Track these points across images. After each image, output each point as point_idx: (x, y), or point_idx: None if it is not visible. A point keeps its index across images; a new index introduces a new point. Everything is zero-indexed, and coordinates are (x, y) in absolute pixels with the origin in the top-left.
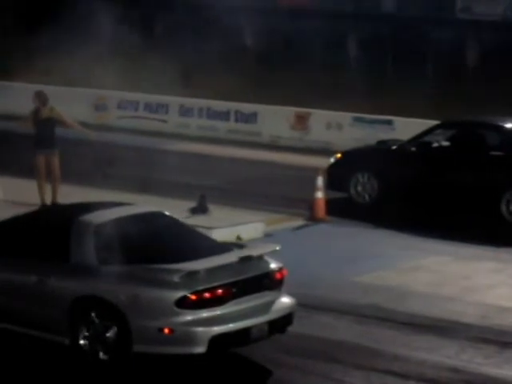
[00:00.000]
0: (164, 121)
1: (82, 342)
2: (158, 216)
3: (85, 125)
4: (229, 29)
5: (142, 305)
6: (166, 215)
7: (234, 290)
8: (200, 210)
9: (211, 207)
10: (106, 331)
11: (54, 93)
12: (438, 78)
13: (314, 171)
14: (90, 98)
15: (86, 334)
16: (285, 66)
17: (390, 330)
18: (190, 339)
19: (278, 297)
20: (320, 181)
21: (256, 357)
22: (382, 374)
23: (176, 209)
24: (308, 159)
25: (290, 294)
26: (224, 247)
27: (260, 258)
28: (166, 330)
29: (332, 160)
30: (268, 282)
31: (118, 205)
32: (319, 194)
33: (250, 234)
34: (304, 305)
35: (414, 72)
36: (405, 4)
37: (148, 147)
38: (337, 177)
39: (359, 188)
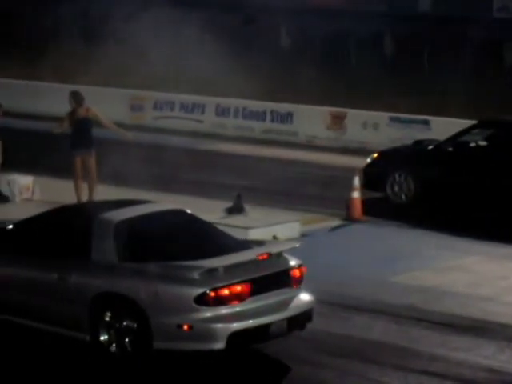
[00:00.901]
0: (200, 121)
1: (102, 338)
2: (178, 213)
3: (121, 125)
4: (264, 29)
5: (162, 301)
6: (186, 213)
7: (253, 286)
8: (236, 209)
9: (247, 207)
10: (127, 328)
11: (90, 93)
12: (475, 77)
13: (351, 171)
14: (126, 98)
15: (107, 330)
16: (320, 65)
17: (426, 330)
18: (209, 335)
19: (297, 293)
20: (356, 181)
21: (293, 357)
22: (419, 375)
23: (212, 209)
24: (344, 159)
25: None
26: (243, 244)
27: (279, 255)
28: (185, 327)
29: (368, 160)
30: (287, 279)
31: (140, 203)
32: (356, 194)
33: (286, 233)
34: (341, 305)
35: (451, 71)
36: (441, 3)
37: (184, 147)
38: (373, 177)
39: (396, 188)
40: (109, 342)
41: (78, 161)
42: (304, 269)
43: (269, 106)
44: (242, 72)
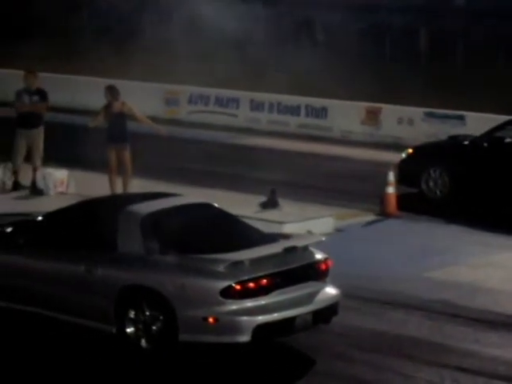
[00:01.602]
0: (234, 115)
1: (128, 330)
2: (205, 207)
3: (155, 119)
4: (299, 23)
5: (188, 294)
6: (213, 206)
7: (278, 279)
8: (270, 204)
9: (282, 202)
10: (153, 320)
11: (126, 87)
12: (510, 72)
13: (385, 166)
14: (161, 93)
15: (133, 322)
16: (356, 60)
17: (461, 326)
18: (235, 328)
19: (322, 287)
20: (391, 176)
21: (327, 352)
22: (453, 371)
23: (246, 203)
24: (379, 154)
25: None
26: (270, 238)
27: (305, 248)
28: (211, 319)
29: (403, 155)
30: (313, 273)
31: (167, 195)
32: (390, 189)
33: (321, 228)
34: (375, 300)
35: (486, 66)
36: None
37: (218, 142)
38: (408, 172)
39: (430, 183)
40: (135, 335)
41: (112, 154)
42: (330, 262)
43: (303, 100)
44: (278, 67)
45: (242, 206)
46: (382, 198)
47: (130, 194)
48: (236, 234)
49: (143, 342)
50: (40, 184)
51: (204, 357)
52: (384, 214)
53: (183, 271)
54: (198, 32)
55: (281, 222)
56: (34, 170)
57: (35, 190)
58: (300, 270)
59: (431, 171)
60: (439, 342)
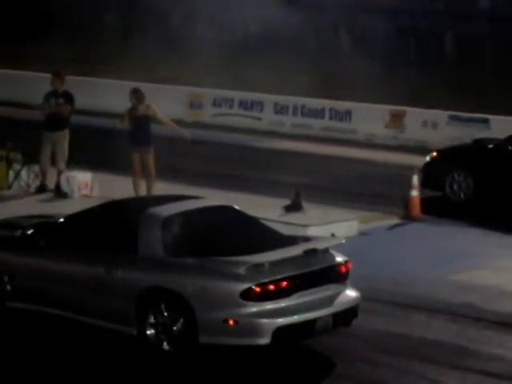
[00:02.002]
0: (259, 118)
1: (148, 332)
2: (226, 209)
3: (179, 122)
4: (321, 27)
5: (208, 296)
6: (234, 209)
7: (298, 282)
8: (294, 207)
9: (305, 205)
10: (173, 322)
11: (150, 90)
12: None
13: (409, 170)
14: (185, 96)
15: (153, 324)
16: (379, 64)
17: (485, 330)
18: (254, 330)
19: (343, 290)
20: (415, 179)
21: (351, 355)
22: (477, 374)
23: (270, 206)
24: (403, 158)
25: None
26: (290, 240)
27: (325, 250)
28: (231, 322)
29: (427, 158)
30: (333, 275)
31: (188, 198)
32: (415, 193)
33: (345, 232)
34: (399, 303)
35: (511, 69)
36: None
37: (242, 145)
38: (432, 175)
39: (455, 186)
40: (155, 337)
41: (136, 158)
42: (350, 265)
43: (328, 103)
44: (302, 70)
45: (265, 209)
46: (406, 201)
47: (151, 196)
48: (256, 236)
49: (164, 345)
50: (64, 187)
51: (225, 358)
52: (408, 218)
53: (203, 273)
54: (222, 33)
55: (305, 225)
56: (59, 172)
57: (59, 193)
58: (320, 273)
59: (455, 174)
60: (463, 346)
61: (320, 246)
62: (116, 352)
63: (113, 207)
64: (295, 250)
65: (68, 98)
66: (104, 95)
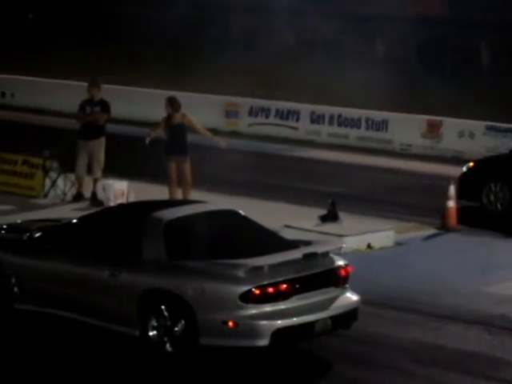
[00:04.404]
0: (295, 128)
1: (151, 333)
2: (228, 213)
3: (215, 131)
4: (359, 38)
5: (208, 298)
6: (237, 213)
7: (297, 285)
8: (330, 217)
9: (341, 215)
10: (175, 324)
11: (186, 99)
12: None
13: (446, 180)
14: (222, 105)
15: (155, 326)
16: (416, 74)
17: None
18: (254, 332)
19: (342, 293)
20: (452, 189)
21: (386, 366)
22: None
23: (306, 216)
24: (439, 168)
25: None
26: (291, 244)
27: (325, 254)
28: (231, 323)
29: (464, 169)
30: (332, 279)
31: (193, 202)
32: (451, 203)
33: (381, 242)
34: (435, 314)
35: None
36: None
37: (278, 154)
38: (469, 186)
39: (491, 197)
40: (157, 338)
41: (172, 166)
42: (350, 268)
43: (364, 113)
44: (337, 80)
45: (301, 218)
46: (442, 211)
47: (156, 200)
48: (257, 240)
49: (167, 346)
50: (100, 195)
51: (227, 360)
52: (444, 228)
53: (204, 276)
54: (256, 45)
55: (341, 235)
56: (95, 180)
57: (95, 201)
58: (319, 276)
59: (492, 185)
60: (498, 357)
61: (320, 249)
62: (119, 352)
63: (118, 211)
64: (295, 254)
65: (104, 106)
66: (142, 104)
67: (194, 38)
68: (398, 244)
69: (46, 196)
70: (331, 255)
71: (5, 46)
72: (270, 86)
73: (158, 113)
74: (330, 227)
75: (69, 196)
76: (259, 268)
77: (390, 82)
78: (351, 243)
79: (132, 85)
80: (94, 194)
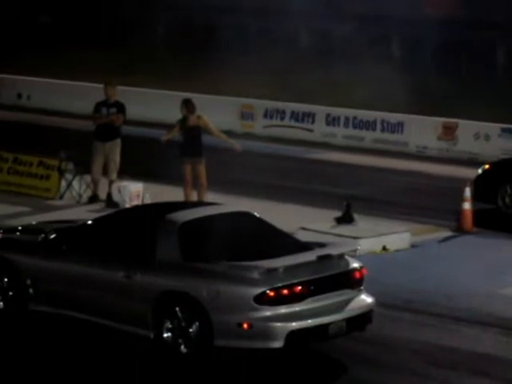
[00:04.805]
0: (310, 130)
1: (165, 335)
2: (243, 215)
3: (230, 133)
4: (374, 39)
5: (223, 300)
6: (251, 215)
7: (312, 287)
8: (346, 219)
9: (357, 217)
10: (189, 326)
11: (201, 101)
12: None
13: (462, 182)
14: (237, 107)
15: (170, 328)
16: (433, 75)
17: None
18: (268, 334)
19: (357, 295)
20: (468, 192)
21: (403, 369)
22: None
23: (321, 218)
24: (455, 170)
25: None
26: (305, 246)
27: (340, 256)
28: (245, 325)
29: (480, 171)
30: (347, 281)
31: (208, 205)
32: (467, 205)
33: (396, 244)
34: (451, 316)
35: None
36: None
37: (293, 156)
38: (484, 188)
39: (507, 199)
40: (172, 340)
41: (187, 168)
42: (365, 271)
43: (379, 115)
44: (353, 81)
45: (316, 220)
46: (458, 213)
47: (170, 202)
48: (272, 242)
49: (181, 348)
50: (115, 197)
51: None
52: (460, 230)
53: (218, 277)
54: (274, 45)
55: (356, 237)
56: (110, 182)
57: (110, 203)
58: (334, 278)
59: (508, 187)
60: None
61: (334, 251)
62: (133, 354)
63: (133, 212)
64: (309, 256)
65: (119, 107)
66: (156, 106)
67: (209, 40)
68: (413, 246)
69: (61, 197)
70: (346, 257)
71: (21, 47)
72: (285, 87)
73: (173, 114)
74: (345, 229)
75: (84, 198)
76: (274, 270)
77: (406, 84)
78: (366, 245)
79: (147, 86)
80: (109, 196)
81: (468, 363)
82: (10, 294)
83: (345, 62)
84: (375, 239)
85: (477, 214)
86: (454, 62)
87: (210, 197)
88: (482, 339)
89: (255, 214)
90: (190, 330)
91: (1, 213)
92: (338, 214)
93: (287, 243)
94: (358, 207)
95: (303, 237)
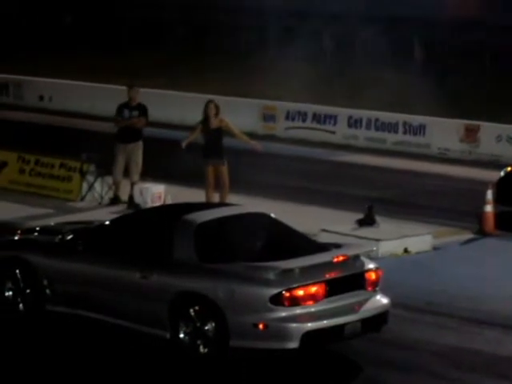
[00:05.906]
0: (332, 132)
1: (181, 336)
2: (259, 217)
3: (252, 135)
4: (396, 40)
5: (239, 301)
6: (268, 216)
7: (327, 287)
8: (367, 221)
9: (378, 219)
10: (205, 326)
11: (223, 103)
12: None
13: (484, 184)
14: (259, 109)
15: (186, 328)
16: (455, 77)
17: None
18: (284, 335)
19: (372, 296)
20: (490, 194)
21: (425, 371)
22: None
23: (343, 220)
24: (477, 172)
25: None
26: (321, 247)
27: (356, 257)
28: (261, 326)
29: (502, 173)
30: (363, 281)
31: (225, 205)
32: (489, 208)
33: (418, 246)
34: (472, 319)
35: None
36: None
37: (315, 158)
38: (506, 190)
39: None
40: (188, 340)
41: (209, 170)
42: (380, 272)
43: (401, 117)
44: (375, 83)
45: (338, 222)
46: (479, 216)
47: (188, 203)
48: (288, 243)
49: (198, 348)
50: (137, 198)
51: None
52: (482, 233)
53: (234, 278)
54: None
55: (377, 240)
56: (132, 184)
57: (132, 205)
58: (350, 279)
59: None
60: None
61: (350, 252)
62: (150, 355)
63: (149, 213)
64: (325, 257)
65: (142, 110)
66: (179, 108)
67: (232, 41)
68: (435, 248)
69: (83, 199)
70: (362, 258)
71: (43, 49)
72: (307, 89)
73: (193, 116)
74: (366, 231)
75: (106, 199)
76: (290, 271)
77: (428, 86)
78: (388, 247)
79: (168, 88)
80: (131, 198)
81: (489, 366)
82: (28, 293)
83: (369, 63)
84: (397, 241)
85: (499, 217)
86: (477, 64)
87: (231, 199)
88: (503, 342)
89: (271, 215)
90: (206, 331)
91: (23, 214)
92: (360, 216)
93: (303, 244)
94: (380, 209)
95: (324, 239)
